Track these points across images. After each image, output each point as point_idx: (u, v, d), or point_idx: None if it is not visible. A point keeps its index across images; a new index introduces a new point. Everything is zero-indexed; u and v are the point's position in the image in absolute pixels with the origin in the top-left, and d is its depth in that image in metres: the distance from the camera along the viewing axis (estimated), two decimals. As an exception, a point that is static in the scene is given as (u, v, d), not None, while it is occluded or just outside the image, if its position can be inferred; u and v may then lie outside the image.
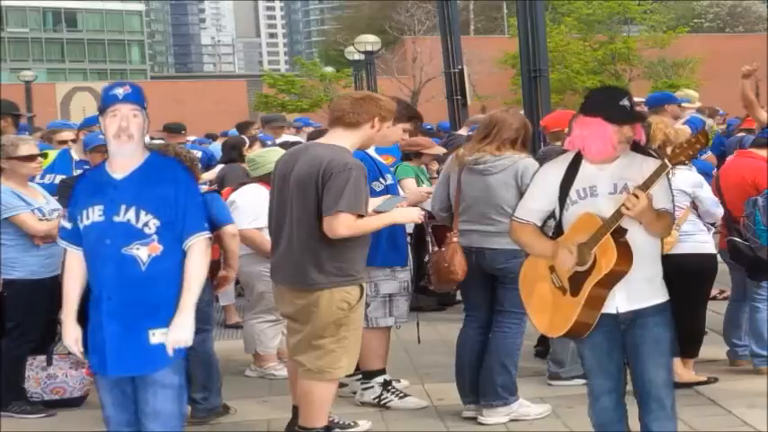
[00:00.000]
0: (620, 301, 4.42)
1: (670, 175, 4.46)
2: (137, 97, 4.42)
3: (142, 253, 4.33)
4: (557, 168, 4.55)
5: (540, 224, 4.61)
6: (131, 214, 4.35)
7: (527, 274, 4.70)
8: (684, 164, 4.27)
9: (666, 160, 4.23)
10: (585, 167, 4.46)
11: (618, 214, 4.26)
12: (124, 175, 4.41)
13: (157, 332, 4.34)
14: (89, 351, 4.48)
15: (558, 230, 4.52)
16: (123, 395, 4.44)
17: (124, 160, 4.42)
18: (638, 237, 4.36)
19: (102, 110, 4.43)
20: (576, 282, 4.38)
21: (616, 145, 4.38)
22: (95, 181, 4.50)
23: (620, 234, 4.31)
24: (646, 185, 4.23)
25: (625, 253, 4.30)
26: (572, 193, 4.46)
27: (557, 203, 4.50)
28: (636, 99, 9.43)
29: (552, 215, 4.57)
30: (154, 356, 4.34)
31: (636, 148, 4.50)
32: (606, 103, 4.40)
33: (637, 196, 4.20)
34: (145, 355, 4.34)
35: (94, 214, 4.39)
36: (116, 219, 4.35)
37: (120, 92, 4.40)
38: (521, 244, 4.75)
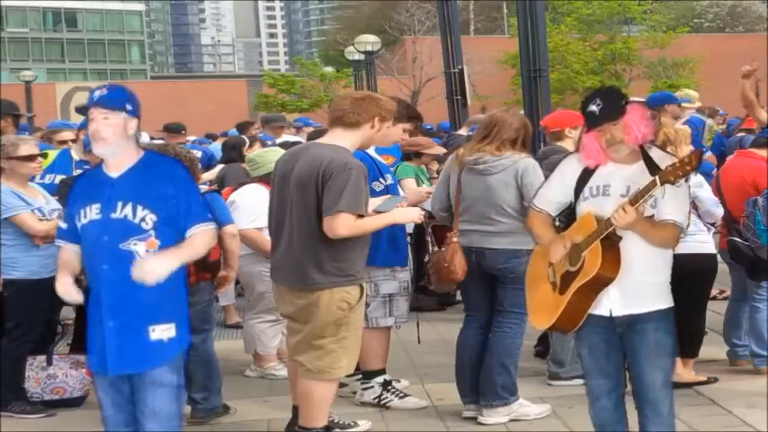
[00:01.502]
0: (614, 304, 4.40)
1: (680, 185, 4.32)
2: (109, 101, 4.39)
3: (140, 248, 4.33)
4: (578, 162, 4.55)
5: (554, 215, 4.61)
6: (128, 210, 4.35)
7: (531, 268, 4.72)
8: (673, 183, 4.21)
9: (657, 178, 4.18)
10: (606, 165, 4.44)
11: (608, 223, 4.26)
12: (120, 173, 4.43)
13: (157, 328, 4.34)
14: (87, 351, 4.48)
15: (570, 222, 4.52)
16: (120, 395, 4.43)
17: (117, 159, 4.44)
18: (634, 243, 4.34)
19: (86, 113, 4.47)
20: (566, 281, 4.41)
21: (603, 148, 4.36)
22: (93, 181, 4.52)
23: (611, 240, 4.30)
24: (635, 199, 4.21)
25: (612, 259, 4.29)
26: (586, 190, 4.46)
27: (573, 197, 4.51)
28: (636, 99, 9.43)
29: (570, 207, 4.56)
30: (153, 353, 4.34)
31: (646, 155, 4.43)
32: (582, 110, 4.43)
33: (625, 210, 4.19)
34: (145, 352, 4.34)
35: (92, 212, 4.40)
36: (113, 215, 4.36)
37: (96, 94, 4.42)
38: (531, 232, 4.76)
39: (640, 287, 4.39)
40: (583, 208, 4.45)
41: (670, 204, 4.35)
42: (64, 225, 4.57)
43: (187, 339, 4.52)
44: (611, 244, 4.30)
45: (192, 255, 4.47)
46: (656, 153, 4.47)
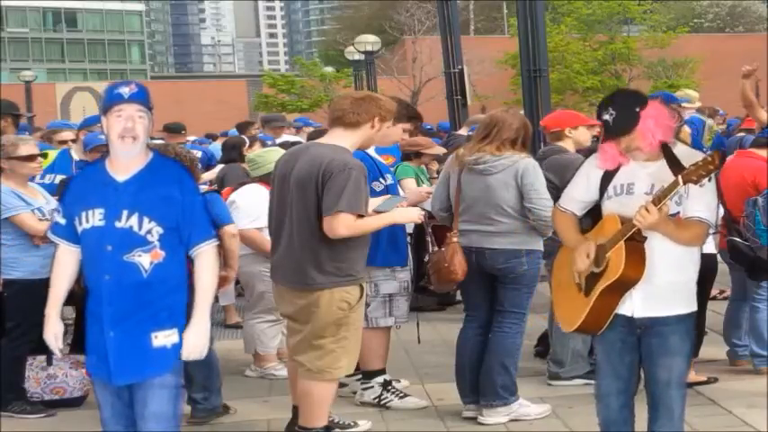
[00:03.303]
0: (636, 306, 4.37)
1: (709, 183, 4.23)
2: (143, 97, 4.25)
3: (144, 260, 4.20)
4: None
5: (579, 214, 4.56)
6: (134, 220, 4.20)
7: (557, 268, 4.68)
8: (695, 183, 4.18)
9: (679, 177, 4.14)
10: (629, 163, 4.40)
11: (632, 223, 4.21)
12: (126, 177, 4.25)
13: (160, 334, 4.24)
14: (87, 352, 4.39)
15: (595, 222, 4.49)
16: (120, 401, 4.35)
17: (127, 161, 4.27)
18: (659, 243, 4.29)
19: (106, 109, 4.25)
20: (591, 282, 4.36)
21: (619, 154, 4.33)
22: (95, 180, 4.32)
23: (636, 240, 4.25)
24: (659, 199, 4.16)
25: (636, 261, 4.25)
26: (610, 188, 4.42)
27: (598, 195, 4.48)
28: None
29: (596, 207, 4.52)
30: (156, 360, 4.24)
31: (669, 153, 4.39)
32: (597, 116, 4.39)
33: (648, 210, 4.15)
34: (148, 360, 4.23)
35: (95, 218, 4.24)
36: (117, 224, 4.20)
37: (125, 91, 4.23)
38: (557, 231, 4.75)
39: (663, 289, 4.34)
40: (607, 207, 4.42)
41: (696, 201, 4.30)
42: (62, 221, 4.38)
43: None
44: (635, 245, 4.25)
45: (214, 288, 4.39)
46: (681, 149, 4.38)
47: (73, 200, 4.37)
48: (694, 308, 4.46)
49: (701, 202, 4.32)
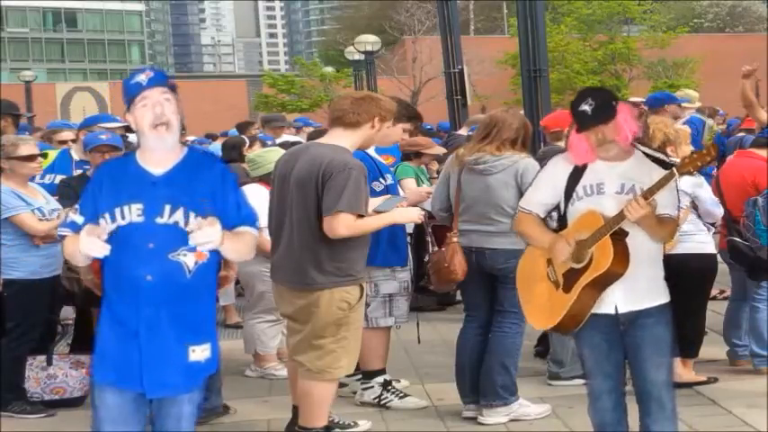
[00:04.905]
0: (618, 301, 4.41)
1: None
2: (163, 79, 3.98)
3: (189, 260, 3.91)
4: (566, 162, 4.53)
5: (543, 216, 4.60)
6: (179, 216, 3.90)
7: (524, 268, 4.70)
8: (691, 174, 4.25)
9: (674, 169, 4.20)
10: (596, 164, 4.43)
11: (619, 217, 4.25)
12: (164, 171, 3.96)
13: (197, 348, 3.99)
14: (101, 358, 4.02)
15: (562, 225, 4.51)
16: (136, 408, 4.04)
17: (163, 154, 3.97)
18: (639, 238, 4.35)
19: (130, 102, 3.95)
20: (570, 278, 4.39)
21: (591, 147, 4.37)
22: (126, 175, 4.00)
23: (620, 236, 4.29)
24: (651, 192, 4.22)
25: (622, 255, 4.29)
26: (579, 189, 4.45)
27: (562, 197, 4.49)
28: (636, 99, 9.37)
29: (557, 209, 4.55)
30: (191, 375, 4.01)
31: (644, 151, 4.48)
32: (572, 109, 4.41)
33: (638, 203, 4.20)
34: (183, 374, 3.98)
35: (132, 214, 3.91)
36: (159, 220, 3.91)
37: (143, 78, 3.94)
38: (522, 234, 4.75)
39: (644, 283, 4.41)
40: (578, 208, 4.44)
41: (666, 198, 4.36)
42: (79, 219, 4.00)
43: (217, 361, 4.16)
44: (619, 240, 4.30)
45: (236, 247, 4.03)
46: (645, 149, 4.52)
47: (98, 196, 4.02)
48: (669, 298, 4.52)
49: (669, 200, 4.41)
